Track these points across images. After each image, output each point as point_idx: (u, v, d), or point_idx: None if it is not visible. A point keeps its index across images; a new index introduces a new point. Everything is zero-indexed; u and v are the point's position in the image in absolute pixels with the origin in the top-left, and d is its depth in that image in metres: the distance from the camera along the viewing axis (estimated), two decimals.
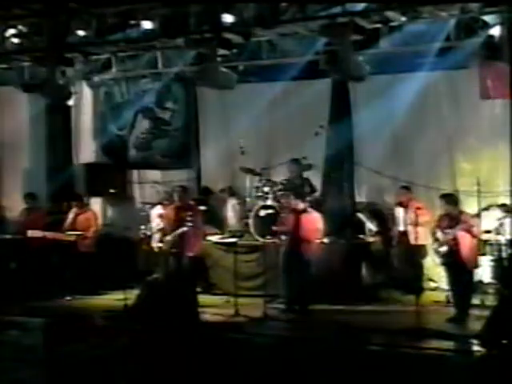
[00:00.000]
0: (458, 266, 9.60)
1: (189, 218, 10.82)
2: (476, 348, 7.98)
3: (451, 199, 9.89)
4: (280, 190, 12.14)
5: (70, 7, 11.10)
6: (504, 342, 7.68)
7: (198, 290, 11.01)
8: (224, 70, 10.96)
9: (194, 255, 11.29)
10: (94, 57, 12.34)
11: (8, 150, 14.18)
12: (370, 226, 12.01)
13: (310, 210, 10.81)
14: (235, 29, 10.50)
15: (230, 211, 13.07)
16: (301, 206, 10.70)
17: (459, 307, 9.63)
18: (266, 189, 12.26)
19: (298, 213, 10.66)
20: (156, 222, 12.01)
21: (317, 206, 11.43)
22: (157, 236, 11.74)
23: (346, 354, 8.02)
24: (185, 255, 11.09)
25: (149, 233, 12.24)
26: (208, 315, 9.96)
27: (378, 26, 10.15)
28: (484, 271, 10.69)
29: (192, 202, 11.71)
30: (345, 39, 9.84)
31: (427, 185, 11.90)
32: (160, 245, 11.49)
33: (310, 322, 9.91)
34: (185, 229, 10.91)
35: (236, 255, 10.94)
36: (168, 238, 11.19)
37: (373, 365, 7.80)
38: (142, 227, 12.52)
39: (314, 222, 10.68)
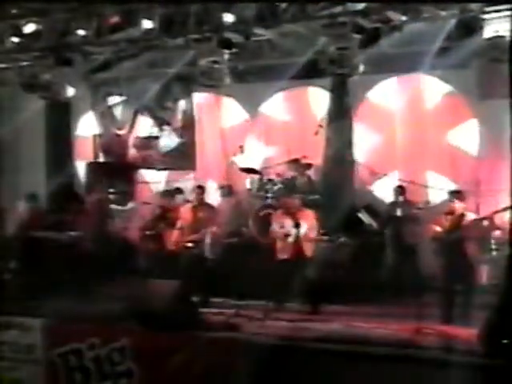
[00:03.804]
0: (457, 267, 9.56)
1: (209, 219, 10.62)
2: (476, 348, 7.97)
3: (458, 197, 9.78)
4: (280, 190, 12.14)
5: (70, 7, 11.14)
6: (504, 341, 7.68)
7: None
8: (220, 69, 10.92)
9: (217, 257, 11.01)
10: (94, 56, 12.35)
11: (8, 150, 14.18)
12: (370, 225, 11.99)
13: (302, 208, 10.47)
14: (235, 28, 10.51)
15: (230, 211, 13.03)
16: (294, 204, 10.43)
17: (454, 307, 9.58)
18: (266, 188, 12.25)
19: (292, 212, 10.35)
20: (166, 222, 11.73)
21: (314, 205, 11.36)
22: (172, 236, 11.36)
23: None
24: (208, 257, 10.83)
25: (155, 233, 12.04)
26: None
27: (379, 25, 10.16)
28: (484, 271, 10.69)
29: (210, 202, 11.40)
30: (345, 39, 9.85)
31: (426, 184, 11.93)
32: (177, 245, 11.12)
33: None
34: (209, 230, 10.66)
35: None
36: (189, 238, 10.95)
37: None
38: (144, 227, 12.47)
39: (307, 220, 10.32)
